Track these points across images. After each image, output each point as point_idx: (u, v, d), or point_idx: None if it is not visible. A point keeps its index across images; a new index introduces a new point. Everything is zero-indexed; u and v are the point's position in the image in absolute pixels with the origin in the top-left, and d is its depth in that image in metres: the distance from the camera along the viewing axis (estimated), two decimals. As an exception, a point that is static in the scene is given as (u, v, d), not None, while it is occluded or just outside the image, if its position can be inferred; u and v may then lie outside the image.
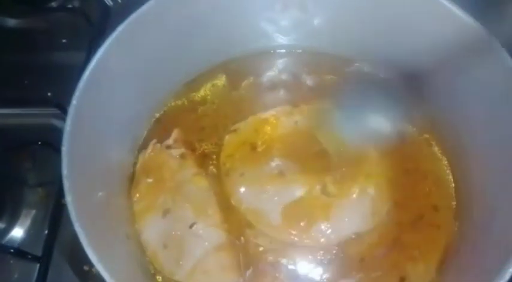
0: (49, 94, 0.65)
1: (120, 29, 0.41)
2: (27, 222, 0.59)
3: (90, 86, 0.40)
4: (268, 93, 0.54)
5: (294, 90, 0.54)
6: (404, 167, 0.49)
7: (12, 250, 0.55)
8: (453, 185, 0.49)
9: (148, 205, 0.46)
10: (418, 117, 0.52)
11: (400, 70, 0.52)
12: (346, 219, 0.46)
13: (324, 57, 0.56)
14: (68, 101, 0.59)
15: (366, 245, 0.45)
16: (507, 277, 0.34)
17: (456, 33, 0.44)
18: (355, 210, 0.46)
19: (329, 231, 0.45)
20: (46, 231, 0.56)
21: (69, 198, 0.34)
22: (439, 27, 0.45)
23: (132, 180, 0.48)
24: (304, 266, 0.45)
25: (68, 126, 0.37)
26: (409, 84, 0.51)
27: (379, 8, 0.49)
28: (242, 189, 0.47)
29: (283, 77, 0.55)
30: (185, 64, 0.51)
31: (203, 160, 0.49)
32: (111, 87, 0.43)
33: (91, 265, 0.52)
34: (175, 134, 0.49)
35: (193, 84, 0.53)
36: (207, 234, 0.44)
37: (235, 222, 0.46)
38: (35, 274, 0.55)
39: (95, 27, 0.69)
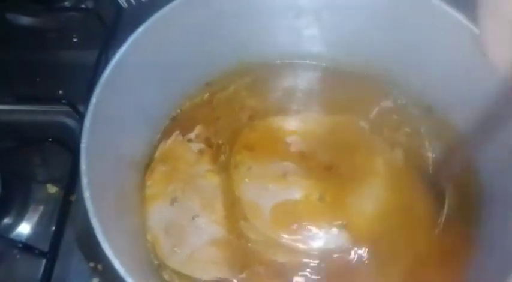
0: (60, 92, 0.66)
1: (141, 29, 0.42)
2: (35, 218, 0.59)
3: (110, 84, 0.41)
4: (287, 98, 0.55)
5: (310, 99, 0.56)
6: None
7: (20, 245, 0.55)
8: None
9: (159, 191, 0.48)
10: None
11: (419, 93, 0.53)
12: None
13: (338, 68, 0.57)
14: (79, 99, 0.60)
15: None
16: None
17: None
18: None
19: (318, 237, 0.46)
20: (53, 228, 0.57)
21: (87, 194, 0.35)
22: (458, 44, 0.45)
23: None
24: (296, 269, 0.45)
25: (88, 122, 0.38)
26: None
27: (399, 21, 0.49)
28: (246, 182, 0.48)
29: (300, 85, 0.56)
30: (203, 66, 0.52)
31: (217, 156, 0.50)
32: (130, 85, 0.44)
33: (97, 261, 0.54)
34: (197, 129, 0.51)
35: (211, 84, 0.54)
36: (208, 228, 0.46)
37: (235, 217, 0.47)
38: (41, 270, 0.55)
39: (108, 28, 0.70)
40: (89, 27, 0.72)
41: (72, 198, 0.57)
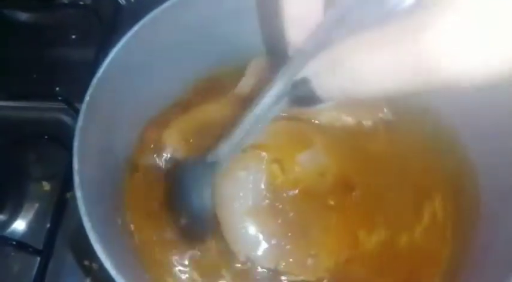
0: (57, 89, 0.65)
1: (136, 27, 0.42)
2: (30, 215, 0.59)
3: (104, 83, 0.40)
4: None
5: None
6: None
7: (14, 242, 0.55)
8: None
9: None
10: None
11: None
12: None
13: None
14: (76, 97, 0.60)
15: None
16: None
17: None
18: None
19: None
20: (48, 225, 0.57)
21: (79, 194, 0.35)
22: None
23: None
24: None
25: (81, 121, 0.38)
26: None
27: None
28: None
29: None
30: (200, 64, 0.51)
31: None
32: (124, 85, 0.43)
33: (92, 260, 0.54)
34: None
35: (208, 83, 0.53)
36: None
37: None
38: (35, 267, 0.55)
39: (106, 25, 0.69)
40: (87, 24, 0.72)
41: (68, 195, 0.57)
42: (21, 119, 0.64)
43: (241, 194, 0.45)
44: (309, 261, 0.44)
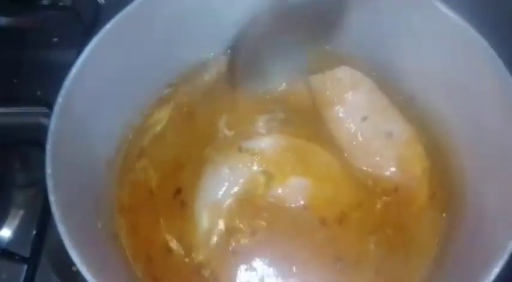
0: (38, 93, 0.64)
1: (108, 27, 0.41)
2: (15, 222, 0.58)
3: (77, 84, 0.39)
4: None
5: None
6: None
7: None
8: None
9: None
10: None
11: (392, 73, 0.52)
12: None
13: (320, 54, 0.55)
14: (58, 100, 0.59)
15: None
16: (492, 277, 0.34)
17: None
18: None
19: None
20: (34, 232, 0.56)
21: (52, 198, 0.34)
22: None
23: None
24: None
25: (53, 124, 0.37)
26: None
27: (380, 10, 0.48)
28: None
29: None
30: (175, 63, 0.51)
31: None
32: (98, 85, 0.42)
33: None
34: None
35: (183, 84, 0.53)
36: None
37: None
38: (23, 275, 0.54)
39: (86, 26, 0.68)
40: (69, 26, 0.70)
41: (53, 201, 0.56)
42: (2, 125, 0.63)
43: (214, 186, 0.44)
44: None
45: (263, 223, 0.45)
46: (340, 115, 0.50)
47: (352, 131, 0.49)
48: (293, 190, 0.45)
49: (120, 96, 0.45)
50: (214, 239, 0.44)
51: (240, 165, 0.46)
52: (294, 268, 0.43)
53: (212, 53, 0.53)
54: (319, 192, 0.46)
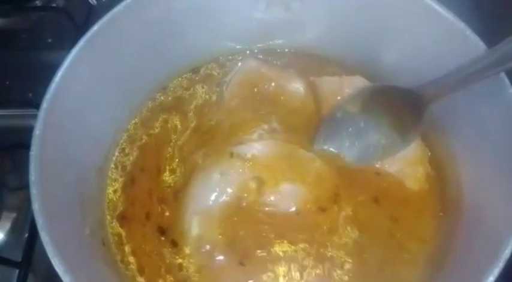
0: (30, 95, 0.63)
1: (94, 29, 0.40)
2: (7, 225, 0.57)
3: (63, 88, 0.39)
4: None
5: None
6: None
7: (-10, 256, 0.54)
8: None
9: None
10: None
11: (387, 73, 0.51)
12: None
13: (310, 57, 0.55)
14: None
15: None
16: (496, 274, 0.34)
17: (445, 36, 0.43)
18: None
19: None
20: (26, 235, 0.55)
21: (35, 206, 0.33)
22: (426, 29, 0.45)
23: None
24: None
25: (38, 129, 0.36)
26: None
27: (367, 8, 0.48)
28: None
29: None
30: (163, 66, 0.50)
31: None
32: (85, 89, 0.41)
33: None
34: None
35: (172, 86, 0.52)
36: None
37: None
38: (15, 280, 0.54)
39: (78, 27, 0.67)
40: (61, 27, 0.70)
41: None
42: (-6, 128, 0.62)
43: (205, 193, 0.43)
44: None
45: (255, 229, 0.44)
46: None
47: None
48: (285, 196, 0.44)
49: (108, 100, 0.45)
50: (207, 246, 0.43)
51: (232, 171, 0.45)
52: (289, 274, 0.43)
53: (203, 57, 0.52)
54: (312, 198, 0.45)
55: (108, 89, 0.44)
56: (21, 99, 0.62)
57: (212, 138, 0.49)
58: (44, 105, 0.37)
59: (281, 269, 0.43)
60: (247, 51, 0.55)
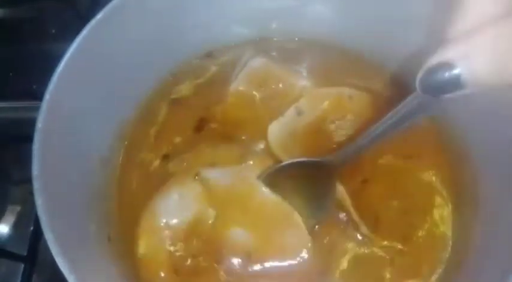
0: (34, 87, 0.62)
1: (98, 17, 0.39)
2: (12, 219, 0.57)
3: (66, 79, 0.37)
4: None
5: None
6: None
7: (-4, 249, 0.53)
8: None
9: None
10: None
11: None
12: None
13: (316, 45, 0.53)
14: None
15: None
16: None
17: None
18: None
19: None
20: (31, 228, 0.55)
21: (39, 201, 0.32)
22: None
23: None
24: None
25: (40, 123, 0.35)
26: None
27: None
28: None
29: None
30: (168, 55, 0.48)
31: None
32: (89, 79, 0.40)
33: None
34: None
35: (179, 76, 0.50)
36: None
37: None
38: (20, 274, 0.53)
39: (83, 18, 0.65)
40: (66, 18, 0.68)
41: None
42: (-2, 120, 0.61)
43: (161, 210, 0.42)
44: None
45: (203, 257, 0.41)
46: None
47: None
48: (234, 241, 0.41)
49: (114, 90, 0.43)
50: (153, 265, 0.41)
51: (191, 196, 0.42)
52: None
53: (213, 44, 0.51)
54: (263, 245, 0.41)
55: (113, 78, 0.43)
56: (25, 91, 0.61)
57: (206, 139, 0.47)
58: (47, 96, 0.36)
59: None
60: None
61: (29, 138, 0.57)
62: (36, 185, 0.33)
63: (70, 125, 0.38)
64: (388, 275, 0.42)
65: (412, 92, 0.30)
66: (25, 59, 0.66)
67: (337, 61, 0.52)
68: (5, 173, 0.59)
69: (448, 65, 0.22)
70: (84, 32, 0.38)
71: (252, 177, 0.43)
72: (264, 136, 0.46)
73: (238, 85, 0.50)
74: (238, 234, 0.41)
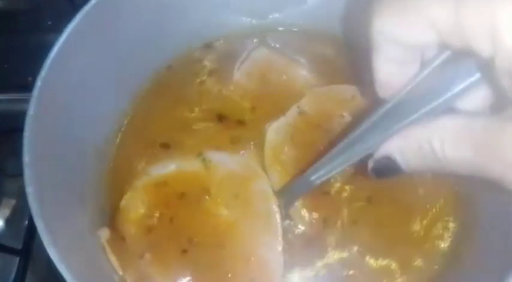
0: (29, 79, 0.61)
1: (92, 2, 0.38)
2: (7, 212, 0.56)
3: (58, 66, 0.36)
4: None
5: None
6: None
7: (-10, 243, 0.53)
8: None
9: None
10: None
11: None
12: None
13: (319, 37, 0.52)
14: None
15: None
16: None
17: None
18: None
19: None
20: (26, 222, 0.54)
21: (29, 189, 0.31)
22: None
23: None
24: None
25: (31, 110, 0.34)
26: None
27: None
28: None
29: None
30: (166, 46, 0.47)
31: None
32: (82, 67, 0.39)
33: None
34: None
35: (177, 67, 0.49)
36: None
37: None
38: (15, 267, 0.52)
39: (79, 9, 0.65)
40: (61, 9, 0.67)
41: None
42: (-8, 112, 0.61)
43: (154, 174, 0.42)
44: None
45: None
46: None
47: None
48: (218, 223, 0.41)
49: (107, 79, 0.42)
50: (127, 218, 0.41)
51: (188, 169, 0.42)
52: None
53: (212, 33, 0.50)
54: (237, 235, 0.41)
55: (107, 67, 0.41)
56: (20, 83, 0.60)
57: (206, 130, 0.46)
58: (38, 83, 0.35)
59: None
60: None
61: (23, 131, 0.57)
62: (27, 172, 0.32)
63: (62, 113, 0.38)
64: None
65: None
66: (20, 50, 0.65)
67: (340, 54, 0.51)
68: (0, 165, 0.58)
69: (388, 158, 0.29)
70: (78, 18, 0.37)
71: (254, 166, 0.43)
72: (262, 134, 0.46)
73: (240, 78, 0.49)
74: (222, 215, 0.41)
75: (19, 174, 0.56)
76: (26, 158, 0.32)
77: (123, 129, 0.46)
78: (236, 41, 0.51)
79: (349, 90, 0.48)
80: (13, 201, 0.57)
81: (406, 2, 0.26)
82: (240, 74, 0.49)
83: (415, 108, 0.28)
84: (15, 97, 0.60)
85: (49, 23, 0.68)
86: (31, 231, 0.54)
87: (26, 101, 0.58)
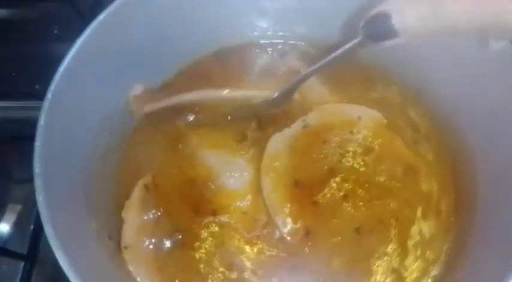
0: (37, 86, 0.63)
1: (100, 18, 0.39)
2: (13, 218, 0.57)
3: (68, 78, 0.38)
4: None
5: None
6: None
7: (-4, 248, 0.54)
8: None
9: None
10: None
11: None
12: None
13: (318, 46, 0.53)
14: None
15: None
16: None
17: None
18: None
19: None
20: (32, 228, 0.55)
21: (40, 198, 0.32)
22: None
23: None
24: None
25: (43, 120, 0.35)
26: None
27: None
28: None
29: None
30: (175, 55, 0.49)
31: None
32: (90, 79, 0.40)
33: None
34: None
35: (186, 75, 0.50)
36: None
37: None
38: (20, 272, 0.53)
39: (85, 17, 0.66)
40: (68, 18, 0.69)
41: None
42: (0, 119, 0.62)
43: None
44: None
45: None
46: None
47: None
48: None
49: (115, 91, 0.44)
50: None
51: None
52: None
53: (218, 43, 0.51)
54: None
55: (115, 79, 0.43)
56: (28, 91, 0.62)
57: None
58: (49, 95, 0.36)
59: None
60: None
61: (31, 138, 0.57)
62: (38, 181, 0.33)
63: (71, 123, 0.39)
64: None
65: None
66: (28, 59, 0.66)
67: (354, 72, 0.51)
68: (7, 172, 0.59)
69: (385, 16, 0.27)
70: (87, 31, 0.39)
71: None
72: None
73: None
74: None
75: (25, 180, 0.58)
76: (37, 168, 0.33)
77: (130, 140, 0.47)
78: (245, 50, 0.53)
79: (357, 110, 0.49)
80: (19, 207, 0.58)
81: None
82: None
83: None
84: (22, 105, 0.61)
85: (56, 31, 0.70)
86: (36, 236, 0.55)
87: (33, 109, 0.60)
